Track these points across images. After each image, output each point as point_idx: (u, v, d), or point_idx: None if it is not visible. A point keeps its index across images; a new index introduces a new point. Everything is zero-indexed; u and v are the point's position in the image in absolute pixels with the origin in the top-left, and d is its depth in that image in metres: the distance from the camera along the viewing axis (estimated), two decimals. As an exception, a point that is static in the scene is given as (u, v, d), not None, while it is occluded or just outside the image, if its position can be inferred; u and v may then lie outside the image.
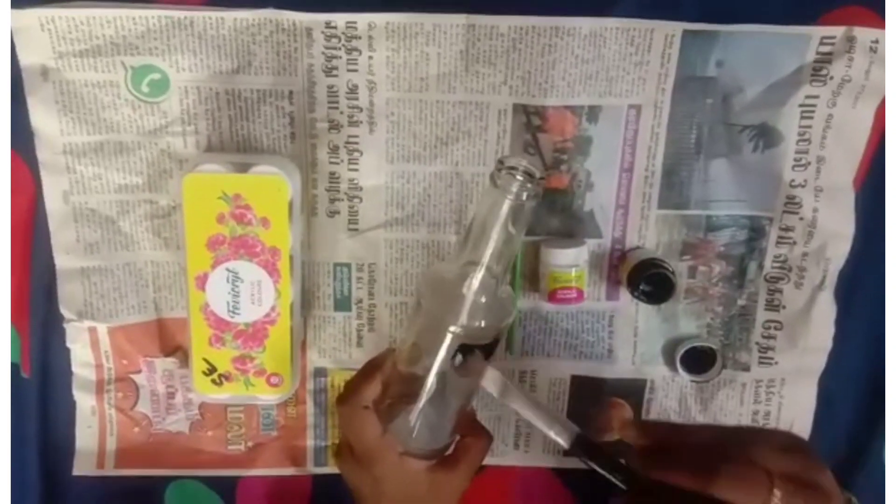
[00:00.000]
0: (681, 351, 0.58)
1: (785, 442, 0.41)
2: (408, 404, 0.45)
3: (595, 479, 0.60)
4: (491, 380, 0.46)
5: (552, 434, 0.44)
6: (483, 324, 0.44)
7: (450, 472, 0.46)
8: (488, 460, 0.61)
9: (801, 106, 0.54)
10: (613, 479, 0.42)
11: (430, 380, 0.44)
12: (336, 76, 0.52)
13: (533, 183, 0.42)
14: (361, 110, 0.53)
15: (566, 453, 0.47)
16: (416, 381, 0.45)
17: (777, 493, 0.38)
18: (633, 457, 0.44)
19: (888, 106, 0.53)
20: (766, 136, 0.54)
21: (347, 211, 0.55)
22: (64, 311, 0.55)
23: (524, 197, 0.42)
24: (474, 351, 0.45)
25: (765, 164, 0.55)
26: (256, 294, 0.52)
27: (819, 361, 0.59)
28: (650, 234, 0.56)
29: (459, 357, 0.45)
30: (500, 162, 0.43)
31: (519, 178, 0.42)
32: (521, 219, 0.43)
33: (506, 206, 0.42)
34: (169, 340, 0.57)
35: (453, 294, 0.44)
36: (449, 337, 0.44)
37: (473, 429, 0.48)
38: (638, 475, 0.42)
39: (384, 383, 0.46)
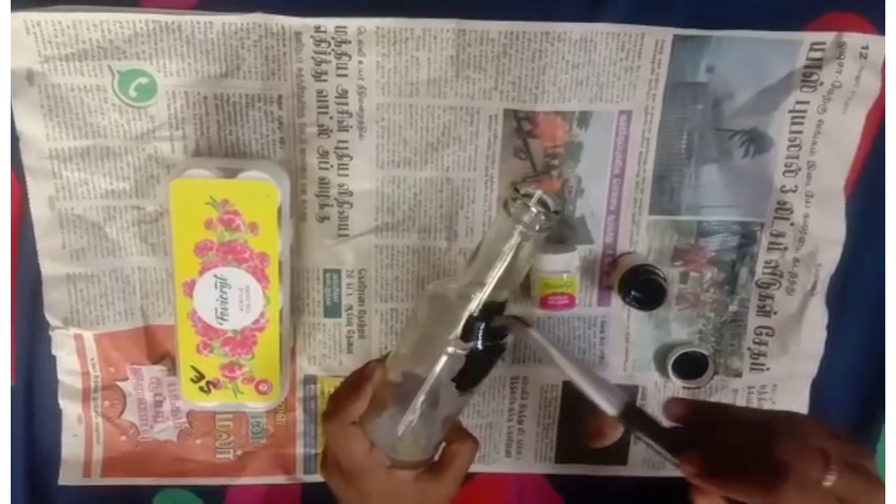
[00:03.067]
0: (672, 357, 0.57)
1: (833, 429, 0.42)
2: (392, 405, 0.44)
3: (586, 484, 0.61)
4: (541, 343, 0.44)
5: (599, 401, 0.43)
6: (480, 346, 0.43)
7: (437, 479, 0.46)
8: (480, 468, 0.60)
9: (791, 111, 0.54)
10: (661, 447, 0.42)
11: (422, 396, 0.44)
12: (325, 81, 0.52)
13: (546, 214, 0.41)
14: (351, 115, 0.53)
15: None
16: (402, 389, 0.44)
17: (833, 470, 0.38)
18: (679, 434, 0.44)
19: (888, 107, 0.53)
20: (757, 141, 0.54)
21: (337, 216, 0.55)
22: (49, 318, 0.55)
23: (536, 228, 0.41)
24: (520, 324, 0.43)
25: (755, 170, 0.55)
26: (245, 300, 0.51)
27: (811, 367, 0.59)
28: (641, 239, 0.56)
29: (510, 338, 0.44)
30: (516, 189, 0.41)
31: (533, 208, 0.40)
32: (530, 249, 0.42)
33: (516, 235, 0.41)
34: (156, 348, 0.57)
35: (453, 313, 0.43)
36: (444, 358, 0.43)
37: (459, 435, 0.47)
38: (687, 441, 0.42)
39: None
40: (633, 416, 0.43)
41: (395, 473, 0.44)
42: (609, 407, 0.42)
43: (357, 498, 0.45)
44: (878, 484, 0.39)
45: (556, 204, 0.41)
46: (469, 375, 0.44)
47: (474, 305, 0.42)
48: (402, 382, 0.45)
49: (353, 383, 0.45)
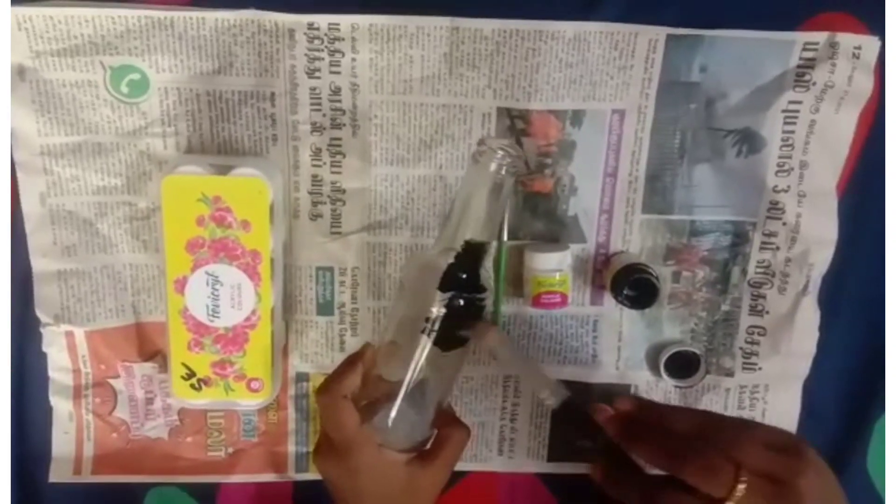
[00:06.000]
0: (665, 356, 0.57)
1: (777, 440, 0.41)
2: (385, 403, 0.45)
3: (578, 483, 0.60)
4: (493, 340, 0.46)
5: (542, 396, 0.46)
6: (462, 302, 0.45)
7: (428, 465, 0.46)
8: (472, 466, 0.60)
9: (784, 111, 0.54)
10: (590, 445, 0.44)
11: (410, 372, 0.45)
12: (319, 78, 0.52)
13: (512, 158, 0.44)
14: (344, 113, 0.53)
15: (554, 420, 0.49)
16: (393, 384, 0.45)
17: (740, 487, 0.37)
18: (611, 424, 0.44)
19: (888, 107, 0.53)
20: (750, 141, 0.54)
21: (330, 214, 0.55)
22: (40, 315, 0.54)
23: (503, 171, 0.44)
24: (480, 317, 0.46)
25: (748, 170, 0.55)
26: (237, 298, 0.51)
27: (803, 367, 0.59)
28: (634, 238, 0.56)
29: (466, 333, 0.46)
30: (482, 141, 0.45)
31: (499, 152, 0.44)
32: (500, 197, 0.45)
33: (486, 181, 0.44)
34: (148, 345, 0.56)
35: (434, 273, 0.44)
36: (432, 312, 0.45)
37: (451, 423, 0.48)
38: (616, 447, 0.43)
39: (363, 379, 0.46)
40: (569, 412, 0.45)
41: (386, 454, 0.45)
42: (551, 401, 0.46)
43: (348, 479, 0.45)
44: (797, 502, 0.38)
45: (518, 150, 0.45)
46: (452, 333, 0.45)
47: (453, 257, 0.45)
48: (391, 373, 0.46)
49: (347, 361, 0.46)
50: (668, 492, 0.40)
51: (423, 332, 0.45)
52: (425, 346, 0.45)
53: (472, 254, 0.45)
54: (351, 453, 0.45)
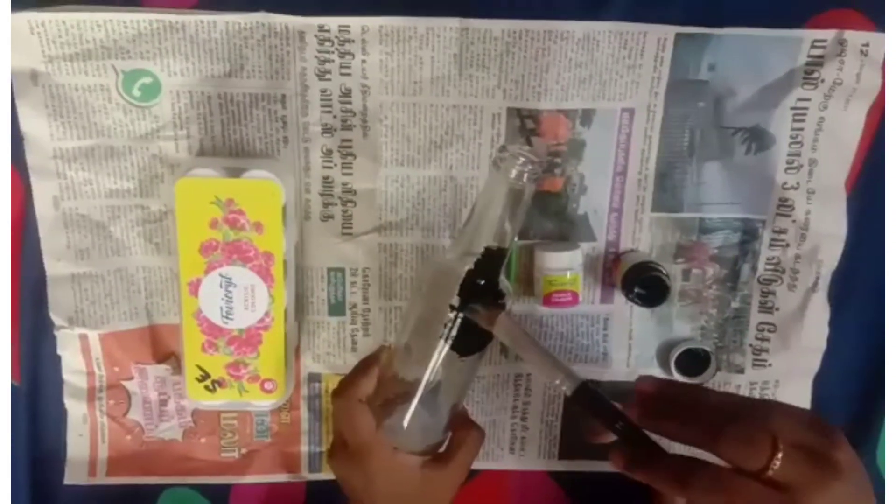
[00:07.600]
0: (675, 353, 0.58)
1: (808, 418, 0.40)
2: (400, 404, 0.45)
3: (590, 481, 0.61)
4: (502, 325, 0.45)
5: (556, 382, 0.44)
6: (480, 308, 0.45)
7: (443, 467, 0.46)
8: (484, 465, 0.61)
9: (792, 109, 0.54)
10: (612, 430, 0.42)
11: (426, 376, 0.45)
12: (329, 80, 0.52)
13: (533, 164, 0.44)
14: (355, 114, 0.53)
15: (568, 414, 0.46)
16: (409, 385, 0.45)
17: (779, 455, 0.36)
18: (633, 408, 0.43)
19: (888, 105, 0.53)
20: (759, 138, 0.55)
21: (341, 215, 0.55)
22: (54, 318, 0.55)
23: (524, 178, 0.44)
24: (488, 303, 0.45)
25: (757, 167, 0.55)
26: (250, 299, 0.51)
27: (813, 363, 0.59)
28: (644, 237, 0.57)
29: (479, 308, 0.45)
30: (503, 147, 0.45)
31: (521, 158, 0.44)
32: (519, 204, 0.44)
33: (506, 188, 0.44)
34: (161, 347, 0.57)
35: (452, 277, 0.44)
36: (446, 325, 0.44)
37: (465, 425, 0.48)
38: (637, 428, 0.41)
39: (378, 381, 0.46)
40: (588, 397, 0.43)
41: (401, 457, 0.45)
42: (565, 386, 0.43)
43: (363, 482, 0.45)
44: (836, 476, 0.36)
45: (540, 156, 0.45)
46: (470, 339, 0.45)
47: (472, 263, 0.45)
48: (404, 376, 0.46)
49: (362, 364, 0.47)
50: (706, 467, 0.38)
51: (440, 336, 0.45)
52: (442, 351, 0.45)
53: (491, 260, 0.45)
54: (367, 457, 0.45)
